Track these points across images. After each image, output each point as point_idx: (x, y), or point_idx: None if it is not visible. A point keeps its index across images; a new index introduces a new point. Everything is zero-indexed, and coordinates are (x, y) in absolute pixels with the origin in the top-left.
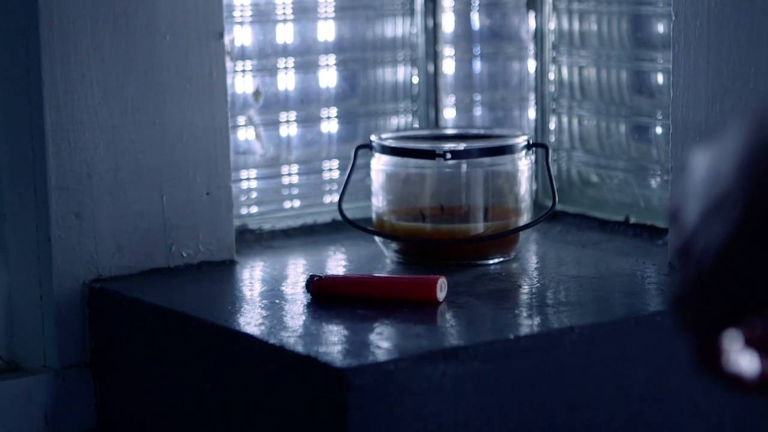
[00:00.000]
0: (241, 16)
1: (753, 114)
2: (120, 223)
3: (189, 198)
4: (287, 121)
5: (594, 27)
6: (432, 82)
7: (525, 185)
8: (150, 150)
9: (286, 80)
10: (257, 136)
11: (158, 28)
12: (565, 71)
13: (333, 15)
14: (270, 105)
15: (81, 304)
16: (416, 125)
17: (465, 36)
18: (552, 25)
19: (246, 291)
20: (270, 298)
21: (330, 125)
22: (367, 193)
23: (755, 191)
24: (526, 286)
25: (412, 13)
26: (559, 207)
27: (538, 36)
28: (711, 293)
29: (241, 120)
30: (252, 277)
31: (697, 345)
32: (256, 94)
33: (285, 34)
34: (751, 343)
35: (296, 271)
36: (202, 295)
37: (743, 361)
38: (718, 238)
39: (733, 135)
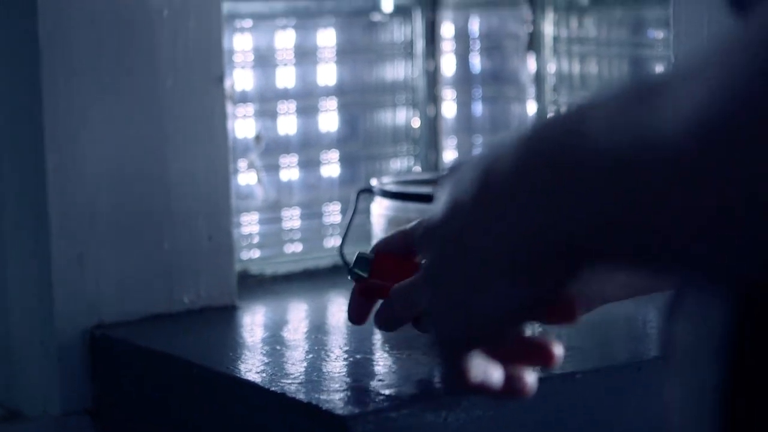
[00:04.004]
0: (242, 60)
1: (479, 159)
2: (122, 268)
3: (191, 243)
4: (288, 165)
5: (594, 69)
6: (432, 125)
7: None
8: (152, 194)
9: (287, 124)
10: (258, 180)
11: (160, 72)
12: None
13: (334, 59)
14: (271, 149)
15: (82, 350)
16: (417, 168)
17: (465, 79)
18: (552, 67)
19: (247, 337)
20: (271, 344)
21: (331, 169)
22: (369, 238)
23: (479, 228)
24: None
25: (412, 56)
26: None
27: (539, 78)
28: (452, 321)
29: (243, 164)
30: (253, 322)
31: (443, 365)
32: (257, 138)
33: (286, 77)
34: (494, 356)
35: (298, 317)
36: (203, 341)
37: (488, 372)
38: (455, 273)
39: (465, 176)
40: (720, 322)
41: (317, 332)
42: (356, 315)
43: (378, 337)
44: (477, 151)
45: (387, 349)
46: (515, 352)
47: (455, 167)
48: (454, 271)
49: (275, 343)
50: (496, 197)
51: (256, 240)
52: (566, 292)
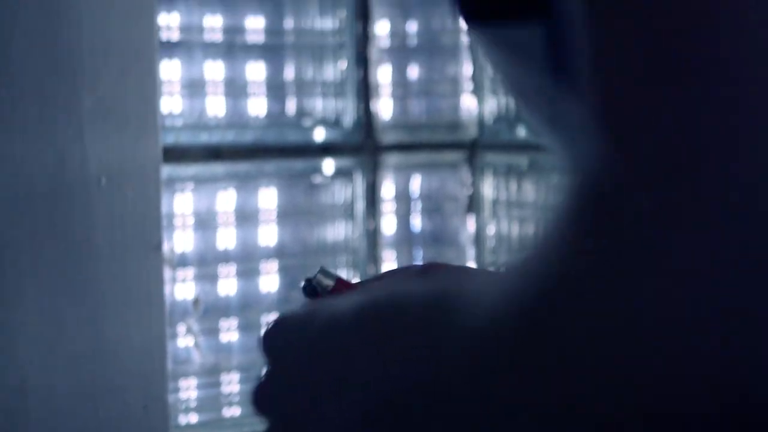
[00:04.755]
0: (182, 222)
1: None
2: None
3: (125, 413)
4: (228, 329)
5: (533, 232)
6: None
7: None
8: (86, 364)
9: (227, 286)
10: (196, 344)
11: (96, 241)
12: None
13: (275, 220)
14: (210, 312)
15: None
16: None
17: (405, 239)
18: (491, 229)
19: None
20: None
21: None
22: None
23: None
24: None
25: (353, 217)
26: None
27: (478, 240)
28: None
29: (181, 328)
30: None
31: None
32: (196, 301)
33: (226, 240)
34: None
35: None
36: None
37: None
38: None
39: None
40: None
41: None
42: None
43: None
44: (299, 309)
45: None
46: None
47: (277, 325)
48: None
49: None
50: (328, 368)
51: (193, 405)
52: None
